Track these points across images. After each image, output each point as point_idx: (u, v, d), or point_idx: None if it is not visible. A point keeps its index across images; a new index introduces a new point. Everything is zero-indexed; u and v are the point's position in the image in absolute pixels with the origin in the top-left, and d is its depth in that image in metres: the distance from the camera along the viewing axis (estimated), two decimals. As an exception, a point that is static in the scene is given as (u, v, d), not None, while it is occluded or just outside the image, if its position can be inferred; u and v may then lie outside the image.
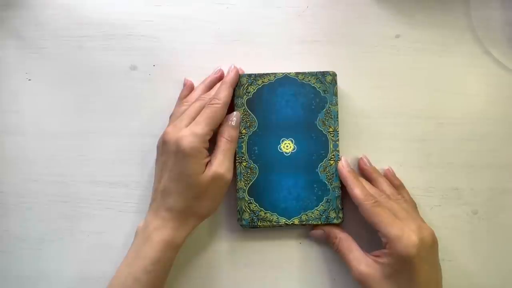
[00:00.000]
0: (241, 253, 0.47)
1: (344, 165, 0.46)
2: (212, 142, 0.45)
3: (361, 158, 0.48)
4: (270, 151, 0.46)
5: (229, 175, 0.44)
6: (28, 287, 0.47)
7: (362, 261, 0.43)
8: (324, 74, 0.47)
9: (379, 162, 0.48)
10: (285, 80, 0.47)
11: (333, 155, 0.46)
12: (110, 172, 0.48)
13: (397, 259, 0.41)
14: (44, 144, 0.49)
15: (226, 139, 0.44)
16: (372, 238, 0.47)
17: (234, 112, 0.46)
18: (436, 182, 0.48)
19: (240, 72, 0.48)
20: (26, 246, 0.48)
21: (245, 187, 0.46)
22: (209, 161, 0.44)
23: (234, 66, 0.47)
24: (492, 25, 0.50)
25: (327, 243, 0.46)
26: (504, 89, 0.49)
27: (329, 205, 0.45)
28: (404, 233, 0.41)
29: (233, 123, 0.45)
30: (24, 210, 0.48)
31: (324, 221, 0.45)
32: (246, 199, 0.46)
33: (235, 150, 0.46)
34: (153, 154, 0.46)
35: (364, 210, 0.43)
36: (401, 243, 0.40)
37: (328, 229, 0.46)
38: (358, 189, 0.44)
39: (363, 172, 0.48)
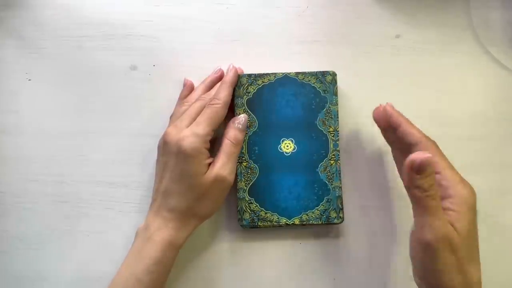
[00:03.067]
0: (241, 253, 0.47)
1: (392, 107, 0.42)
2: (216, 143, 0.45)
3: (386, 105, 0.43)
4: (271, 151, 0.46)
5: (231, 178, 0.44)
6: (27, 287, 0.47)
7: (446, 220, 0.36)
8: (324, 74, 0.47)
9: (379, 162, 0.48)
10: (285, 80, 0.47)
11: (333, 155, 0.46)
12: (110, 172, 0.48)
13: (468, 205, 0.37)
14: (44, 144, 0.49)
15: (231, 141, 0.44)
16: (373, 238, 0.47)
17: (242, 115, 0.46)
18: (436, 182, 0.48)
19: (240, 72, 0.48)
20: (25, 246, 0.48)
21: (245, 187, 0.46)
22: (212, 162, 0.44)
23: (233, 66, 0.47)
24: (492, 25, 0.50)
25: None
26: (504, 89, 0.49)
27: (329, 205, 0.45)
28: (463, 179, 0.38)
29: (240, 126, 0.45)
30: (23, 210, 0.48)
31: (324, 221, 0.45)
32: (247, 199, 0.46)
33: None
34: (154, 154, 0.46)
35: (425, 147, 0.39)
36: (467, 186, 0.38)
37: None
38: (415, 128, 0.41)
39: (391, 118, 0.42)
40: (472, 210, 0.37)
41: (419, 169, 0.35)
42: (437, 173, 0.38)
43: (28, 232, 0.48)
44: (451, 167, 0.39)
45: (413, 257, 0.38)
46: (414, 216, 0.37)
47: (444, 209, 0.37)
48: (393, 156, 0.45)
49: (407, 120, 0.42)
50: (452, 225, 0.36)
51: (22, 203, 0.48)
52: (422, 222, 0.36)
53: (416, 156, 0.35)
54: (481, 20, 0.50)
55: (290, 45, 0.50)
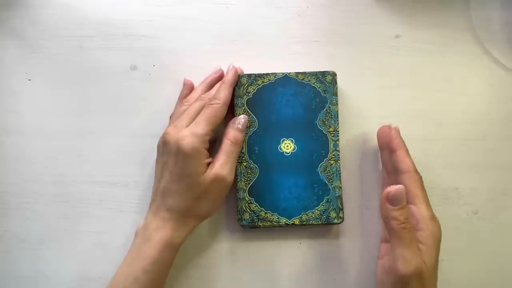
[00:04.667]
0: (241, 253, 0.47)
1: (398, 131, 0.45)
2: (216, 144, 0.45)
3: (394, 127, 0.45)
4: (271, 151, 0.46)
5: (230, 178, 0.44)
6: (28, 287, 0.47)
7: (420, 254, 0.39)
8: (324, 74, 0.47)
9: (379, 162, 0.48)
10: (285, 80, 0.47)
11: (333, 155, 0.46)
12: (110, 172, 0.48)
13: (435, 241, 0.40)
14: (44, 144, 0.49)
15: (231, 141, 0.44)
16: (373, 238, 0.47)
17: (242, 115, 0.46)
18: (436, 182, 0.48)
19: (240, 72, 0.48)
20: (25, 246, 0.48)
21: (245, 187, 0.46)
22: (211, 162, 0.44)
23: (233, 66, 0.47)
24: (492, 25, 0.50)
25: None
26: (504, 89, 0.49)
27: (329, 205, 0.45)
28: (434, 216, 0.41)
29: (240, 126, 0.45)
30: (24, 210, 0.48)
31: (324, 221, 0.45)
32: (247, 199, 0.46)
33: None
34: (153, 154, 0.46)
35: (411, 178, 0.42)
36: (436, 223, 0.41)
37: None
38: (409, 158, 0.43)
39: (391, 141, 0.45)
40: (438, 244, 0.40)
41: (394, 199, 0.38)
42: (413, 204, 0.41)
43: (28, 232, 0.48)
44: (427, 203, 0.42)
45: (381, 285, 0.41)
46: (389, 248, 0.39)
47: (420, 241, 0.40)
48: (382, 177, 0.47)
49: (406, 149, 0.44)
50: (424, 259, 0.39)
51: (22, 203, 0.48)
52: (397, 254, 0.38)
53: (391, 188, 0.38)
54: (481, 21, 0.50)
55: (290, 45, 0.50)
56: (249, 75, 0.47)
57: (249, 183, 0.46)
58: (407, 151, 0.44)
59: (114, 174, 0.48)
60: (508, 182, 0.48)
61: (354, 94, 0.49)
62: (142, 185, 0.48)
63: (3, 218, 0.48)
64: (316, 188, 0.46)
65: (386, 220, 0.39)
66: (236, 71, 0.47)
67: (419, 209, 0.41)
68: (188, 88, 0.48)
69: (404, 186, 0.39)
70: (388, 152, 0.45)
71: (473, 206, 0.48)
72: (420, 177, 0.43)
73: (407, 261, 0.37)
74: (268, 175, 0.46)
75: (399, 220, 0.38)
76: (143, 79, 0.49)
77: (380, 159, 0.47)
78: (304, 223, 0.45)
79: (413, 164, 0.43)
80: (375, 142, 0.48)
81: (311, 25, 0.50)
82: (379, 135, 0.45)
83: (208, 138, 0.43)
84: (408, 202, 0.41)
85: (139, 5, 0.50)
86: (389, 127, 0.45)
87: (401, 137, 0.44)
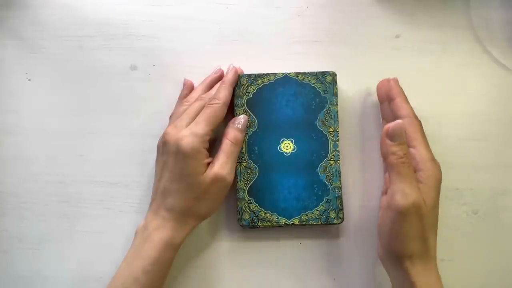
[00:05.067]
0: (241, 253, 0.47)
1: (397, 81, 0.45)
2: (216, 144, 0.45)
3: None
4: (270, 151, 0.46)
5: (230, 178, 0.44)
6: (27, 287, 0.47)
7: (418, 188, 0.40)
8: (324, 74, 0.47)
9: (379, 163, 0.48)
10: (285, 80, 0.47)
11: (333, 155, 0.46)
12: (110, 172, 0.48)
13: (435, 182, 0.41)
14: (44, 144, 0.49)
15: (231, 141, 0.44)
16: (373, 238, 0.47)
17: (242, 115, 0.46)
18: (436, 182, 0.48)
19: (240, 72, 0.48)
20: (25, 246, 0.48)
21: (245, 187, 0.46)
22: (211, 161, 0.44)
23: (233, 66, 0.47)
24: (492, 25, 0.50)
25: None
26: (504, 89, 0.49)
27: (329, 205, 0.45)
28: (434, 158, 0.42)
29: (240, 126, 0.45)
30: (23, 210, 0.48)
31: (324, 221, 0.45)
32: (246, 199, 0.46)
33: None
34: (153, 154, 0.46)
35: (410, 122, 0.43)
36: (436, 164, 0.41)
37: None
38: (408, 104, 0.44)
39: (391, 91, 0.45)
40: (438, 185, 0.41)
41: (393, 134, 0.39)
42: (412, 147, 0.42)
43: (28, 232, 0.48)
44: (426, 146, 0.42)
45: (381, 225, 0.41)
46: (389, 184, 0.40)
47: (420, 180, 0.41)
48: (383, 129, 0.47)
49: (405, 96, 0.45)
50: (423, 195, 0.39)
51: (22, 203, 0.48)
52: (396, 188, 0.39)
53: (390, 123, 0.40)
54: (481, 20, 0.50)
55: (290, 45, 0.50)
56: (249, 75, 0.47)
57: (248, 183, 0.46)
58: (405, 98, 0.44)
59: (114, 174, 0.48)
60: (508, 182, 0.48)
61: (354, 94, 0.49)
62: (142, 185, 0.48)
63: (2, 218, 0.48)
64: (316, 188, 0.46)
65: (385, 155, 0.40)
66: (236, 71, 0.47)
67: (418, 152, 0.42)
68: (188, 88, 0.48)
69: (408, 129, 0.42)
70: (387, 103, 0.45)
71: (473, 206, 0.48)
72: (420, 122, 0.43)
73: (405, 194, 0.38)
74: (267, 175, 0.46)
75: (398, 155, 0.39)
76: (143, 79, 0.49)
77: (380, 113, 0.48)
78: (304, 223, 0.45)
79: (412, 110, 0.44)
80: (375, 142, 0.48)
81: (311, 25, 0.50)
82: (378, 88, 0.46)
83: (208, 138, 0.43)
84: (407, 146, 0.41)
85: (140, 5, 0.50)
86: (388, 79, 0.46)
87: (399, 86, 0.45)
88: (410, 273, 0.39)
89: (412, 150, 0.42)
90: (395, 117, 0.44)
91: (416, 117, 0.44)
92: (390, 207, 0.39)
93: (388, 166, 0.40)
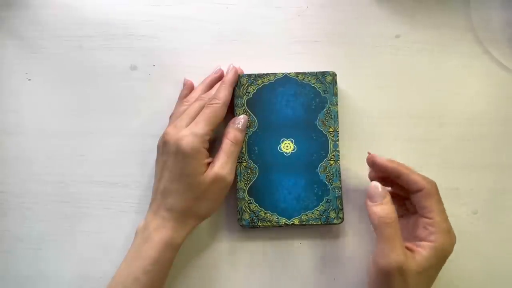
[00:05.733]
0: (241, 253, 0.47)
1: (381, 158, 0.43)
2: (216, 144, 0.45)
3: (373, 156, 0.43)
4: (270, 151, 0.46)
5: (230, 177, 0.44)
6: (27, 287, 0.47)
7: (401, 249, 0.38)
8: (324, 74, 0.47)
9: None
10: (285, 80, 0.47)
11: (333, 155, 0.46)
12: (110, 172, 0.48)
13: (439, 253, 0.39)
14: (44, 144, 0.49)
15: (231, 141, 0.44)
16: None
17: (242, 115, 0.46)
18: (436, 182, 0.47)
19: (240, 72, 0.48)
20: (26, 246, 0.48)
21: (245, 187, 0.46)
22: (211, 161, 0.44)
23: (233, 66, 0.47)
24: (492, 25, 0.50)
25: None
26: (504, 89, 0.49)
27: (329, 205, 0.45)
28: (451, 230, 0.40)
29: (240, 126, 0.45)
30: (24, 210, 0.48)
31: (324, 221, 0.45)
32: (246, 199, 0.46)
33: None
34: (153, 154, 0.46)
35: (428, 193, 0.41)
36: (450, 238, 0.40)
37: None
38: (415, 174, 0.41)
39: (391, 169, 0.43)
40: (442, 259, 0.40)
41: (371, 195, 0.40)
42: (429, 218, 0.40)
43: (29, 232, 0.48)
44: (443, 216, 0.41)
45: (369, 281, 0.41)
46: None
47: (418, 246, 0.40)
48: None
49: (405, 167, 0.42)
50: (413, 258, 0.39)
51: (22, 203, 0.48)
52: (378, 248, 0.39)
53: (369, 185, 0.40)
54: (481, 21, 0.50)
55: (290, 45, 0.50)
56: (249, 75, 0.47)
57: (248, 183, 0.46)
58: (407, 169, 0.42)
59: (114, 174, 0.48)
60: (507, 182, 0.48)
61: (354, 94, 0.49)
62: (142, 185, 0.48)
63: (3, 218, 0.48)
64: (316, 189, 0.46)
65: (369, 216, 0.40)
66: (236, 71, 0.47)
67: (434, 223, 0.40)
68: (188, 88, 0.48)
69: (420, 203, 0.40)
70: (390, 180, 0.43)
71: (473, 206, 0.48)
72: (434, 187, 0.41)
73: (386, 255, 0.38)
74: (267, 175, 0.46)
75: (378, 215, 0.39)
76: (143, 79, 0.49)
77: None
78: (304, 223, 0.45)
79: (423, 178, 0.41)
80: (375, 142, 0.48)
81: (311, 25, 0.50)
82: (375, 170, 0.44)
83: (208, 138, 0.43)
84: (424, 216, 0.40)
85: (139, 5, 0.50)
86: (369, 157, 0.43)
87: (389, 160, 0.42)
88: None
89: (427, 220, 0.40)
90: (408, 190, 0.42)
91: (429, 183, 0.41)
92: (374, 266, 0.39)
93: (372, 226, 0.40)
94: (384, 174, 0.43)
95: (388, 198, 0.40)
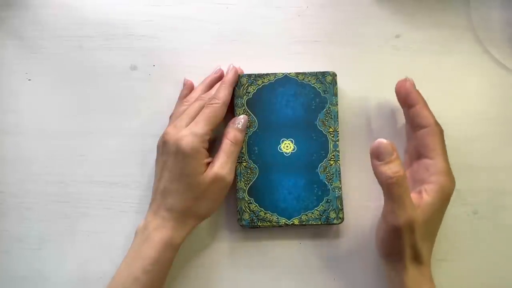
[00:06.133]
0: (241, 253, 0.47)
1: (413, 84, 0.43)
2: (216, 144, 0.45)
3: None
4: (270, 151, 0.46)
5: (230, 177, 0.44)
6: (28, 287, 0.47)
7: (410, 206, 0.38)
8: (324, 74, 0.47)
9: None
10: (285, 80, 0.47)
11: (333, 155, 0.46)
12: (110, 172, 0.48)
13: (441, 195, 0.40)
14: (44, 144, 0.49)
15: (231, 141, 0.44)
16: (373, 239, 0.47)
17: (242, 115, 0.46)
18: (436, 182, 0.48)
19: (240, 72, 0.48)
20: (25, 246, 0.48)
21: (245, 187, 0.46)
22: (211, 161, 0.44)
23: (233, 66, 0.47)
24: (492, 25, 0.50)
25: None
26: (504, 89, 0.49)
27: (329, 205, 0.45)
28: (450, 171, 0.41)
29: (240, 126, 0.45)
30: (23, 210, 0.48)
31: (324, 221, 0.45)
32: (246, 199, 0.46)
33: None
34: (153, 154, 0.46)
35: (432, 132, 0.41)
36: (450, 179, 0.40)
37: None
38: (428, 111, 0.42)
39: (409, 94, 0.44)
40: (445, 200, 0.41)
41: (377, 153, 0.38)
42: (430, 158, 0.41)
43: (28, 232, 0.48)
44: (444, 157, 0.42)
45: (377, 231, 0.42)
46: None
47: (420, 191, 0.40)
48: (406, 131, 0.47)
49: (424, 101, 0.43)
50: (418, 207, 0.39)
51: (22, 203, 0.48)
52: (387, 208, 0.39)
53: (374, 142, 0.39)
54: (481, 20, 0.50)
55: (290, 45, 0.50)
56: (249, 75, 0.47)
57: (248, 183, 0.46)
58: (425, 103, 0.43)
59: (114, 174, 0.48)
60: (507, 182, 0.48)
61: (354, 94, 0.49)
62: (142, 185, 0.48)
63: (2, 218, 0.48)
64: (316, 189, 0.46)
65: (375, 174, 0.39)
66: (236, 71, 0.47)
67: (434, 163, 0.41)
68: (188, 88, 0.48)
69: (423, 141, 0.41)
70: (407, 108, 0.44)
71: (473, 206, 0.48)
72: (441, 130, 0.42)
73: (396, 215, 0.38)
74: (267, 175, 0.46)
75: (386, 175, 0.38)
76: (143, 79, 0.49)
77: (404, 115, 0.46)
78: (304, 223, 0.45)
79: (432, 117, 0.42)
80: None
81: (311, 25, 0.50)
82: (397, 92, 0.44)
83: (207, 137, 0.43)
84: (425, 156, 0.41)
85: (139, 5, 0.50)
86: (405, 79, 0.44)
87: (416, 90, 0.43)
88: (403, 277, 0.40)
89: (428, 161, 0.41)
90: (415, 125, 0.43)
91: (437, 125, 0.42)
92: (384, 223, 0.40)
93: (380, 184, 0.39)
94: (403, 100, 0.44)
95: (396, 154, 0.38)
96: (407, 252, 0.40)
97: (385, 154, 0.38)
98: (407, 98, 0.43)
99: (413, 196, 0.40)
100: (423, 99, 0.43)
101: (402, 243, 0.39)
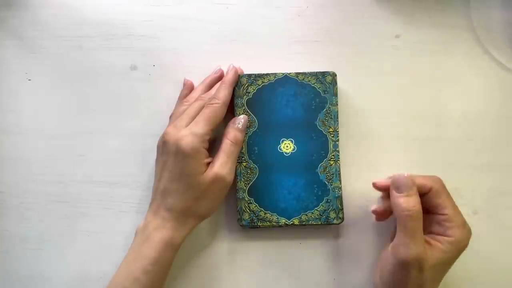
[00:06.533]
0: (241, 253, 0.47)
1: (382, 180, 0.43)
2: (216, 144, 0.45)
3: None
4: (270, 151, 0.46)
5: (230, 177, 0.44)
6: (28, 287, 0.47)
7: (422, 242, 0.39)
8: (324, 74, 0.47)
9: (379, 163, 0.48)
10: (285, 80, 0.47)
11: (333, 155, 0.46)
12: (110, 172, 0.48)
13: (456, 247, 0.40)
14: (44, 144, 0.49)
15: (231, 141, 0.44)
16: (373, 239, 0.47)
17: (242, 115, 0.46)
18: (436, 182, 0.48)
19: (240, 72, 0.48)
20: (26, 246, 0.48)
21: (245, 187, 0.46)
22: (211, 161, 0.44)
23: (233, 66, 0.47)
24: (492, 25, 0.50)
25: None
26: (504, 89, 0.49)
27: (329, 205, 0.45)
28: (466, 223, 0.41)
29: (240, 126, 0.45)
30: (23, 210, 0.48)
31: (324, 221, 0.45)
32: (246, 199, 0.46)
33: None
34: (153, 154, 0.46)
35: (438, 191, 0.41)
36: (466, 231, 0.40)
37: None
38: (418, 178, 0.41)
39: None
40: (458, 253, 0.41)
41: (398, 185, 0.40)
42: (443, 214, 0.40)
43: (28, 232, 0.48)
44: (455, 208, 0.41)
45: (382, 262, 0.41)
46: (396, 232, 0.40)
47: (437, 240, 0.40)
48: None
49: (413, 181, 0.41)
50: (430, 252, 0.39)
51: (22, 203, 0.48)
52: (399, 241, 0.39)
53: (396, 174, 0.40)
54: (481, 20, 0.50)
55: (290, 45, 0.50)
56: (249, 75, 0.47)
57: (248, 183, 0.46)
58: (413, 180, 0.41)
59: (114, 174, 0.48)
60: (507, 182, 0.48)
61: (354, 94, 0.49)
62: (142, 185, 0.48)
63: (2, 218, 0.48)
64: (316, 189, 0.46)
65: (393, 206, 0.40)
66: (236, 71, 0.47)
67: (449, 218, 0.40)
68: (188, 88, 0.48)
69: (431, 203, 0.41)
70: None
71: (473, 206, 0.48)
72: (440, 183, 0.41)
73: (408, 248, 0.38)
74: (267, 175, 0.46)
75: (403, 207, 0.39)
76: (143, 79, 0.49)
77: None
78: (304, 223, 0.45)
79: (427, 180, 0.41)
80: (375, 142, 0.48)
81: (311, 25, 0.50)
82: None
83: (207, 137, 0.43)
84: (435, 213, 0.41)
85: (139, 5, 0.50)
86: (373, 185, 0.43)
87: (385, 180, 0.43)
88: None
89: (441, 217, 0.40)
90: (420, 195, 0.41)
91: (434, 181, 0.41)
92: (393, 255, 0.39)
93: (395, 216, 0.40)
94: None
95: (415, 189, 0.40)
96: None
97: (405, 187, 0.39)
98: (403, 187, 0.41)
99: (427, 239, 0.40)
100: (411, 180, 0.40)
101: (408, 279, 0.39)
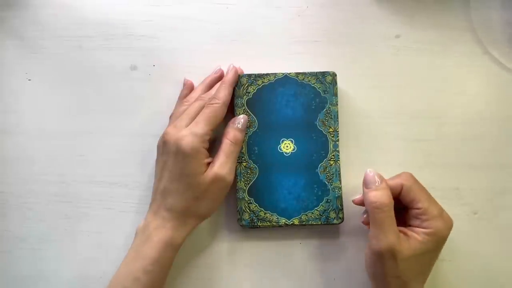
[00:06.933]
0: (241, 253, 0.47)
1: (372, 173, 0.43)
2: (216, 144, 0.45)
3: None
4: (270, 151, 0.46)
5: (230, 177, 0.44)
6: (28, 287, 0.47)
7: (392, 233, 0.40)
8: (324, 74, 0.47)
9: (379, 163, 0.48)
10: (285, 80, 0.47)
11: (333, 155, 0.46)
12: (110, 172, 0.48)
13: (435, 238, 0.40)
14: (44, 144, 0.49)
15: (230, 141, 0.44)
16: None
17: (242, 115, 0.46)
18: (436, 182, 0.48)
19: (240, 72, 0.48)
20: (26, 246, 0.48)
21: (245, 187, 0.46)
22: (211, 161, 0.44)
23: (233, 66, 0.47)
24: (492, 25, 0.50)
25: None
26: (504, 89, 0.49)
27: (329, 205, 0.45)
28: (443, 213, 0.41)
29: (239, 126, 0.45)
30: (24, 210, 0.48)
31: (324, 221, 0.45)
32: (246, 199, 0.46)
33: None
34: (153, 154, 0.46)
35: (409, 187, 0.42)
36: (443, 221, 0.41)
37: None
38: (391, 181, 0.43)
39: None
40: (439, 244, 0.41)
41: (364, 181, 0.42)
42: (417, 208, 0.41)
43: (29, 232, 0.48)
44: (430, 200, 0.42)
45: (365, 258, 0.42)
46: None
47: (414, 232, 0.41)
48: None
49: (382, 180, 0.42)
50: (407, 243, 0.40)
51: (23, 203, 0.48)
52: (372, 233, 0.40)
53: (365, 172, 0.42)
54: (481, 21, 0.50)
55: (290, 45, 0.50)
56: (249, 75, 0.47)
57: (248, 183, 0.46)
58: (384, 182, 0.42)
59: (114, 174, 0.48)
60: (507, 182, 0.48)
61: (354, 94, 0.49)
62: (142, 185, 0.48)
63: (3, 218, 0.48)
64: (316, 189, 0.46)
65: (364, 202, 0.42)
66: (236, 71, 0.47)
67: (425, 211, 0.41)
68: (188, 88, 0.48)
69: (406, 199, 0.42)
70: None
71: (473, 206, 0.48)
72: (409, 178, 0.42)
73: (377, 238, 0.39)
74: (267, 175, 0.46)
75: (371, 201, 0.40)
76: (143, 79, 0.49)
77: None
78: (304, 223, 0.45)
79: (396, 180, 0.42)
80: (375, 142, 0.48)
81: (311, 25, 0.50)
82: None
83: (207, 137, 0.43)
84: (411, 208, 0.42)
85: (139, 5, 0.50)
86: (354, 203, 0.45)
87: (360, 197, 0.44)
88: None
89: (417, 211, 0.41)
90: (395, 196, 0.42)
91: (404, 179, 0.42)
92: (368, 248, 0.41)
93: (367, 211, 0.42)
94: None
95: (384, 184, 0.41)
96: (393, 283, 0.40)
97: (371, 182, 0.41)
98: (369, 183, 0.42)
99: (403, 230, 0.41)
100: (378, 175, 0.42)
101: (384, 270, 0.40)
